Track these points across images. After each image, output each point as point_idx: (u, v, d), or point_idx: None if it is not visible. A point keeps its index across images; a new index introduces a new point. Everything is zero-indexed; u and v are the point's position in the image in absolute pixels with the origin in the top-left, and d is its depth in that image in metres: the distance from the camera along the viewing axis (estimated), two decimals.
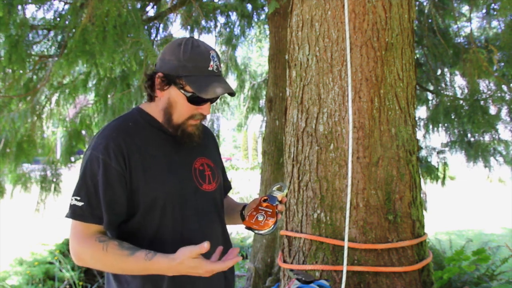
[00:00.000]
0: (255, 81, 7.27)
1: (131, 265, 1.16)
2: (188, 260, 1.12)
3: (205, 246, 1.11)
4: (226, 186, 1.62)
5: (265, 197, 1.37)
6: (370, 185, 1.67)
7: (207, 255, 1.15)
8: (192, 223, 1.31)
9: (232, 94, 1.30)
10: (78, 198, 1.19)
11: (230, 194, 1.69)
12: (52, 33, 3.95)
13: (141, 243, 1.21)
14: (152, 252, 1.15)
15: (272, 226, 1.29)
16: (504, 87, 4.33)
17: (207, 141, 1.48)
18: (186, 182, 1.32)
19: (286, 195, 1.44)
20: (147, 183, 1.24)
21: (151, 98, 1.35)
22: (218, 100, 6.59)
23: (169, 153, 1.32)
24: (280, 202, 1.37)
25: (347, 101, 1.65)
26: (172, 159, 1.32)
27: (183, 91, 1.26)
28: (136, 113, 1.35)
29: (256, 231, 1.31)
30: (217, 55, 1.31)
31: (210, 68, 1.26)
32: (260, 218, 1.30)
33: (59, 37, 3.94)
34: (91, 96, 5.38)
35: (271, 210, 1.32)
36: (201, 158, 1.40)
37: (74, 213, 1.19)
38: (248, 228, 1.31)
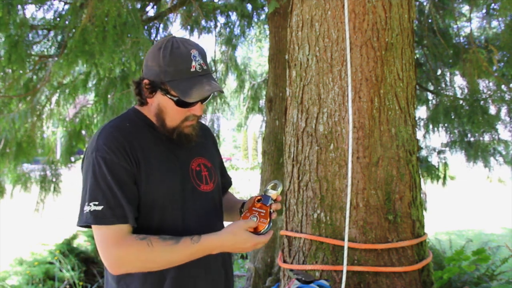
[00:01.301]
0: (255, 81, 7.27)
1: (179, 253, 1.18)
2: (242, 232, 1.21)
3: (255, 220, 1.25)
4: (227, 182, 1.61)
5: (259, 197, 1.34)
6: (370, 185, 1.66)
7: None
8: (192, 223, 1.30)
9: (220, 92, 1.28)
10: (96, 202, 1.16)
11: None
12: (52, 33, 3.96)
13: None
14: (195, 236, 1.19)
15: (266, 226, 1.26)
16: (504, 87, 4.33)
17: (205, 140, 1.47)
18: (184, 182, 1.31)
19: (282, 193, 1.41)
20: (146, 183, 1.23)
21: (142, 104, 1.34)
22: (218, 100, 6.62)
23: (166, 154, 1.31)
24: (275, 201, 1.34)
25: (347, 101, 1.65)
26: (170, 160, 1.31)
27: (169, 96, 1.24)
28: (132, 114, 1.34)
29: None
30: (200, 52, 1.25)
31: (192, 69, 1.22)
32: (254, 219, 1.27)
33: (59, 37, 3.94)
34: (91, 96, 5.38)
35: (264, 211, 1.29)
36: (198, 159, 1.39)
37: (97, 217, 1.15)
38: None
